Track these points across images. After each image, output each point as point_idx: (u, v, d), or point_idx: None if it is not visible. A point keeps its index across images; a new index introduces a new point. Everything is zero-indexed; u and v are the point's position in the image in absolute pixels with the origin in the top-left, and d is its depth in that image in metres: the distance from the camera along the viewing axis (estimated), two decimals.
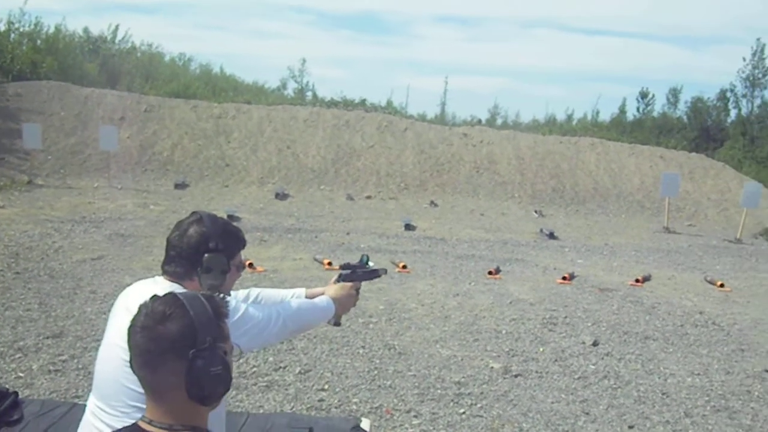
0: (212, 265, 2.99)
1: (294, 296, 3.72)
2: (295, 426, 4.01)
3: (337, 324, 3.68)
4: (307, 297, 3.71)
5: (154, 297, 2.06)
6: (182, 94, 32.28)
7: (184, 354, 1.93)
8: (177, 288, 2.85)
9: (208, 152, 27.69)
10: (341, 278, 3.72)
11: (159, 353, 1.95)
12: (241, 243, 3.22)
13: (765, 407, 7.43)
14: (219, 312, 2.05)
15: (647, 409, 7.14)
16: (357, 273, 3.76)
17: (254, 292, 3.68)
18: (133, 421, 2.08)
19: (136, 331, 1.99)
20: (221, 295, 2.17)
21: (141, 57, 40.00)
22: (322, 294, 3.61)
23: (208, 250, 2.99)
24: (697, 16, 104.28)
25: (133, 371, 2.03)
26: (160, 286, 2.87)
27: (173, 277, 3.00)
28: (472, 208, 25.79)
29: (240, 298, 3.50)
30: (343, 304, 3.60)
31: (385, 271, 3.98)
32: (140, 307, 2.04)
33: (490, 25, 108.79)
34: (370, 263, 3.87)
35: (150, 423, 2.01)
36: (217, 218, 3.15)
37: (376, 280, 4.00)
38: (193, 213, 3.16)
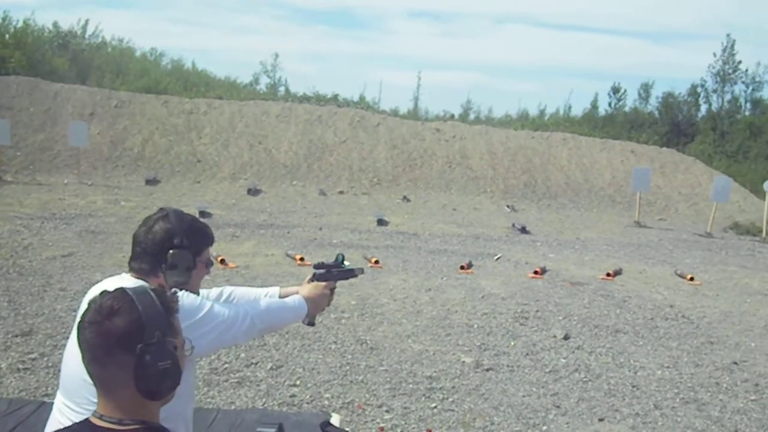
0: (177, 262, 2.96)
1: (267, 295, 3.65)
2: (265, 422, 4.00)
3: (311, 324, 3.61)
4: (280, 296, 3.66)
5: (104, 292, 2.05)
6: (153, 90, 32.08)
7: (132, 349, 1.92)
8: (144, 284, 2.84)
9: (180, 148, 27.56)
10: (315, 277, 3.63)
11: (107, 348, 1.94)
12: (208, 240, 3.19)
13: (733, 399, 7.49)
14: (169, 307, 2.04)
15: (617, 401, 7.18)
16: (332, 272, 3.67)
17: (227, 290, 3.65)
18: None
19: (84, 326, 1.98)
20: (173, 291, 2.16)
21: (111, 52, 39.77)
22: (296, 293, 3.58)
23: (172, 247, 2.96)
24: (668, 12, 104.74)
25: (84, 367, 2.03)
26: (126, 283, 2.85)
27: (139, 273, 2.99)
28: (445, 203, 25.84)
29: (211, 296, 3.48)
30: (317, 304, 3.52)
31: (362, 271, 3.89)
32: (89, 303, 2.03)
33: (463, 20, 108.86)
34: (346, 263, 3.77)
35: (101, 418, 2.00)
36: (184, 214, 3.12)
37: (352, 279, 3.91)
38: (161, 209, 3.13)
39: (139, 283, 2.76)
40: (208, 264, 3.20)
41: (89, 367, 2.00)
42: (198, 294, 3.13)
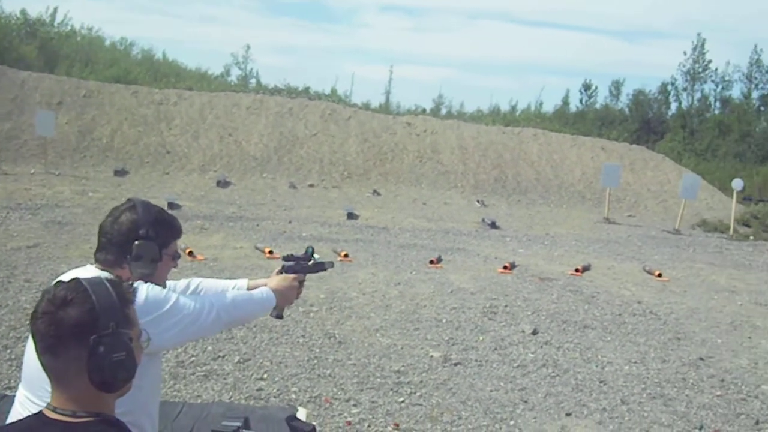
0: (142, 253, 2.92)
1: (235, 287, 3.59)
2: (231, 415, 3.96)
3: (279, 317, 3.55)
4: (249, 288, 3.61)
5: (57, 283, 2.02)
6: (123, 80, 31.89)
7: (85, 340, 1.89)
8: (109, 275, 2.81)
9: (149, 139, 27.40)
10: (284, 269, 3.56)
11: (60, 339, 1.91)
12: (175, 232, 3.15)
13: (699, 394, 7.53)
14: (124, 298, 2.00)
15: (585, 396, 7.20)
16: (301, 265, 3.61)
17: (194, 282, 3.60)
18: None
19: (37, 316, 1.95)
20: (130, 282, 2.13)
21: (81, 41, 39.46)
22: (265, 285, 3.54)
23: (138, 237, 2.92)
24: (641, 11, 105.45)
25: (38, 358, 1.99)
26: (89, 274, 2.81)
27: (104, 264, 2.95)
28: (415, 197, 25.86)
29: (178, 288, 3.43)
30: (285, 296, 3.46)
31: (332, 264, 3.82)
32: (43, 293, 2.00)
33: (435, 15, 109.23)
34: (316, 255, 3.71)
35: (54, 410, 1.96)
36: (151, 206, 3.08)
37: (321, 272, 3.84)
38: (128, 200, 3.10)
39: (104, 275, 2.72)
40: (175, 256, 3.16)
41: (42, 358, 1.96)
42: (164, 286, 3.10)
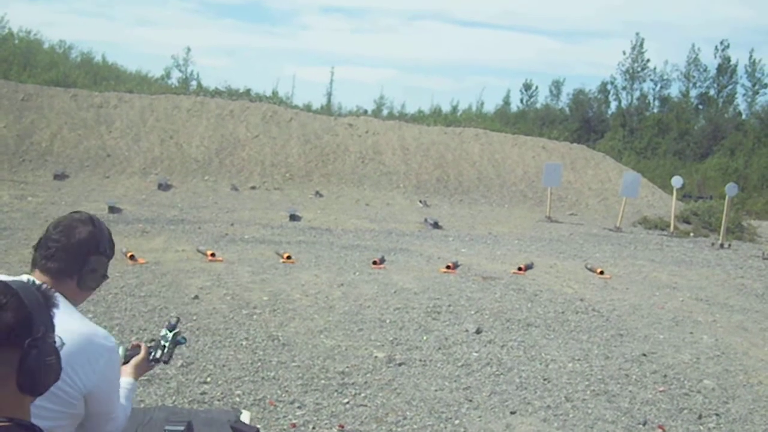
0: (97, 267, 2.94)
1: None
2: (174, 420, 3.93)
3: (165, 362, 3.63)
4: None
5: None
6: (62, 83, 31.52)
7: (20, 343, 1.86)
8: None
9: (89, 142, 27.10)
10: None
11: None
12: (113, 249, 3.17)
13: (642, 390, 7.60)
14: (49, 301, 1.98)
15: (529, 394, 7.23)
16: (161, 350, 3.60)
17: None
18: None
19: None
20: (44, 286, 2.10)
21: (18, 44, 38.89)
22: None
23: (96, 252, 2.94)
24: (580, 11, 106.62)
25: None
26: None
27: (49, 272, 2.90)
28: (357, 198, 25.88)
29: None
30: (141, 374, 3.51)
31: (185, 340, 3.85)
32: None
33: (376, 16, 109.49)
34: (174, 332, 3.69)
35: None
36: (103, 222, 3.10)
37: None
38: (77, 212, 3.08)
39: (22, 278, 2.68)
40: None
41: None
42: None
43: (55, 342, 1.96)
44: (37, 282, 2.16)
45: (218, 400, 6.46)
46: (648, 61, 56.12)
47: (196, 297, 9.93)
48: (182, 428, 3.73)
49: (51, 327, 1.96)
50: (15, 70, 33.09)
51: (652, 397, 7.41)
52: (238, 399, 6.52)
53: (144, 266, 11.90)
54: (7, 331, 1.86)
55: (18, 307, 1.88)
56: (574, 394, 7.33)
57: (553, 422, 6.52)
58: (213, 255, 12.86)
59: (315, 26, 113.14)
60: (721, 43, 56.11)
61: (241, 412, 4.28)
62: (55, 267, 2.91)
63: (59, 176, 24.31)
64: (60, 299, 2.19)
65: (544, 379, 7.71)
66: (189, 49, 52.91)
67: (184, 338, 3.78)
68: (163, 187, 24.21)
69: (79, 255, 2.90)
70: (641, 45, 56.16)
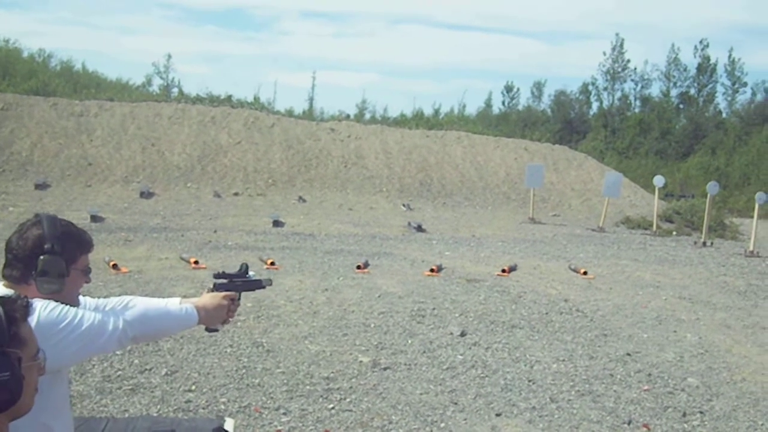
0: (48, 269, 2.87)
1: (167, 305, 3.52)
2: (157, 429, 3.92)
3: (213, 330, 3.52)
4: None
5: None
6: (41, 92, 31.39)
7: None
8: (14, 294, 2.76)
9: (70, 151, 26.99)
10: (215, 287, 3.47)
11: None
12: (83, 246, 3.08)
13: (627, 390, 7.63)
14: (11, 316, 1.96)
15: (514, 396, 7.25)
16: (234, 283, 3.51)
17: (126, 300, 3.51)
18: None
19: None
20: (24, 299, 2.08)
21: None
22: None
23: (43, 253, 2.87)
24: (559, 12, 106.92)
25: None
26: None
27: (10, 281, 2.89)
28: (341, 202, 25.87)
29: (90, 306, 3.36)
30: (211, 315, 3.37)
31: (270, 282, 3.71)
32: None
33: (357, 20, 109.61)
34: (251, 273, 3.59)
35: None
36: (57, 220, 3.02)
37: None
38: (35, 215, 3.05)
39: (7, 291, 2.67)
40: (86, 272, 3.10)
41: None
42: (76, 302, 3.06)
43: (19, 359, 1.94)
44: (13, 295, 2.15)
45: (203, 408, 6.45)
46: (628, 61, 56.44)
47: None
48: None
49: (12, 343, 1.93)
50: None
51: (637, 396, 7.44)
52: (223, 407, 6.51)
53: (127, 275, 11.87)
54: None
55: None
56: (559, 394, 7.35)
57: (538, 423, 6.54)
58: (196, 262, 12.83)
59: (296, 31, 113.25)
60: (701, 42, 56.43)
61: (225, 420, 4.27)
62: (13, 275, 2.90)
63: (40, 186, 24.20)
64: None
65: (529, 381, 7.73)
66: (170, 56, 53.09)
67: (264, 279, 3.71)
68: (146, 195, 24.15)
69: (30, 259, 2.87)
70: (621, 46, 56.46)
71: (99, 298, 3.46)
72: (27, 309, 2.05)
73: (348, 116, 40.31)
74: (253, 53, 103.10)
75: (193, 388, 6.97)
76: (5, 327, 1.92)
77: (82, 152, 27.16)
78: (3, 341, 1.90)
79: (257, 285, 3.61)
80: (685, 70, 56.97)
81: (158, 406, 6.45)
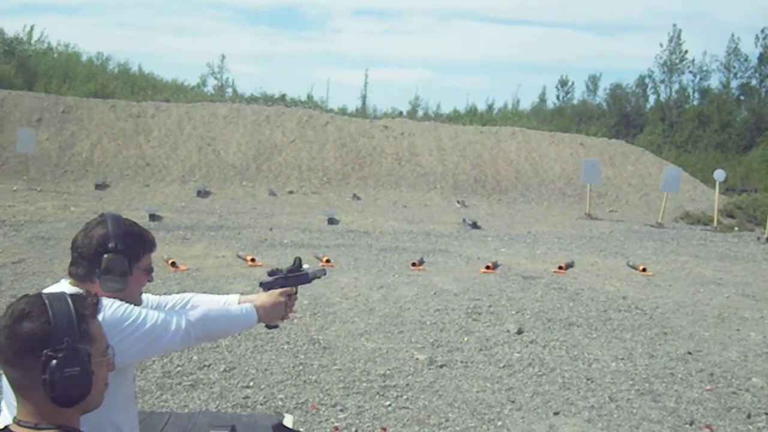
0: (111, 267, 2.91)
1: (226, 303, 3.53)
2: (217, 424, 3.96)
3: (272, 326, 3.55)
4: (239, 303, 3.57)
5: (21, 297, 2.02)
6: (100, 94, 31.90)
7: (38, 354, 1.91)
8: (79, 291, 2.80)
9: (128, 152, 27.38)
10: (270, 284, 3.50)
11: (16, 352, 1.93)
12: (146, 245, 3.12)
13: (688, 389, 7.52)
14: (80, 313, 2.01)
15: (572, 395, 7.19)
16: (287, 278, 3.55)
17: (187, 296, 3.54)
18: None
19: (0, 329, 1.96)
20: (95, 296, 2.12)
21: (58, 57, 39.52)
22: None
23: (107, 251, 2.91)
24: (614, 4, 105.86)
25: (2, 370, 2.00)
26: (63, 289, 2.81)
27: (76, 279, 2.95)
28: (395, 200, 25.88)
29: (171, 303, 3.41)
30: (270, 313, 3.41)
31: (324, 272, 3.75)
32: (7, 307, 2.01)
33: (408, 17, 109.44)
34: (305, 266, 3.63)
35: (18, 423, 1.99)
36: (121, 219, 3.07)
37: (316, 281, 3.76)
38: (100, 215, 3.10)
39: (75, 290, 2.71)
40: (148, 270, 3.13)
41: (4, 370, 1.99)
42: (139, 301, 3.09)
43: (89, 354, 1.98)
44: (83, 292, 2.19)
45: (261, 404, 6.49)
46: (686, 52, 55.53)
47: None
48: None
49: (82, 339, 1.98)
50: (55, 84, 33.56)
51: (699, 396, 7.33)
52: (280, 403, 6.54)
53: (185, 273, 11.99)
54: (26, 341, 1.92)
55: (39, 317, 1.93)
56: (619, 393, 7.27)
57: (597, 423, 6.48)
58: (253, 260, 12.92)
59: (347, 29, 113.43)
60: (762, 31, 55.22)
61: (283, 416, 4.30)
62: (78, 273, 2.95)
63: (100, 186, 24.60)
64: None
65: (588, 379, 7.66)
66: (224, 57, 53.54)
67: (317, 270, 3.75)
68: (202, 194, 24.39)
69: (94, 257, 2.92)
70: (679, 37, 55.60)
71: (159, 295, 3.50)
72: (96, 306, 2.10)
73: (401, 113, 40.31)
74: (305, 52, 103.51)
75: (251, 384, 7.02)
76: (75, 323, 1.97)
77: (140, 152, 27.52)
78: (73, 337, 1.94)
79: (307, 279, 3.65)
80: (746, 60, 55.96)
81: (217, 402, 6.51)
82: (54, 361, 1.90)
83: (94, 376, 2.00)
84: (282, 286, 3.51)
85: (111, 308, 2.76)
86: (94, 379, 2.00)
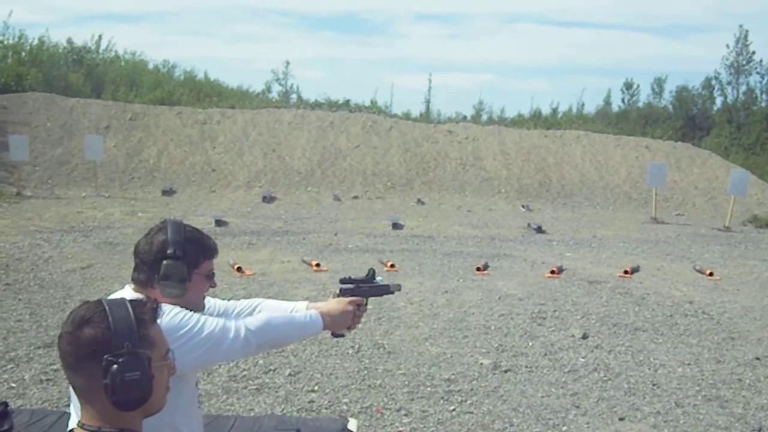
0: (170, 273, 2.95)
1: (293, 310, 3.48)
2: (283, 428, 4.01)
3: (339, 335, 3.51)
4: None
5: (83, 303, 2.08)
6: (167, 101, 32.38)
7: (99, 359, 1.95)
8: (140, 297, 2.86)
9: (194, 158, 27.72)
10: (341, 293, 3.44)
11: (78, 358, 1.98)
12: (207, 251, 3.13)
13: (756, 395, 7.44)
14: (140, 318, 2.05)
15: (638, 400, 7.15)
16: (361, 288, 3.45)
17: (256, 302, 3.52)
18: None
19: (61, 336, 2.03)
20: (154, 302, 2.17)
21: (124, 65, 40.17)
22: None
23: (166, 257, 2.96)
24: (679, 5, 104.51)
25: (66, 375, 2.07)
26: (126, 294, 2.87)
27: (137, 284, 3.01)
28: (459, 204, 25.85)
29: (219, 308, 3.44)
30: (337, 321, 3.35)
31: (399, 288, 3.65)
32: (69, 313, 2.07)
33: (471, 21, 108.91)
34: (378, 278, 3.52)
35: (82, 427, 2.04)
36: (182, 226, 3.10)
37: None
38: (162, 221, 3.14)
39: (137, 296, 2.78)
40: (210, 276, 3.15)
41: (67, 375, 2.05)
42: (202, 307, 3.14)
43: (149, 359, 2.03)
44: (143, 298, 2.25)
45: (326, 409, 6.56)
46: (753, 53, 54.40)
47: None
48: None
49: (143, 344, 2.02)
50: (122, 91, 34.17)
51: (767, 402, 7.25)
52: (345, 407, 6.61)
53: (251, 278, 12.13)
54: (87, 346, 1.97)
55: (100, 323, 1.98)
56: (685, 399, 7.22)
57: (663, 428, 6.45)
58: (318, 265, 13.02)
59: (411, 34, 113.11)
60: None
61: (348, 420, 4.35)
62: (140, 278, 3.01)
63: (167, 192, 24.94)
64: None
65: (654, 385, 7.62)
66: (288, 63, 53.85)
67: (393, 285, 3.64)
68: (267, 199, 24.60)
69: (154, 263, 2.96)
70: (745, 37, 54.55)
71: (227, 300, 3.55)
72: (156, 311, 2.15)
73: (465, 118, 40.20)
74: (369, 57, 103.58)
75: (316, 388, 7.10)
76: (135, 329, 2.02)
77: (206, 159, 27.85)
78: (133, 342, 1.99)
79: (385, 290, 3.55)
80: None
81: (282, 406, 6.59)
82: (115, 366, 1.95)
83: (155, 380, 2.04)
84: (355, 295, 3.45)
85: (169, 315, 2.80)
86: (155, 383, 2.05)
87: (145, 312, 2.09)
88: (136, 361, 1.99)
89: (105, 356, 1.95)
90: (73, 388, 2.06)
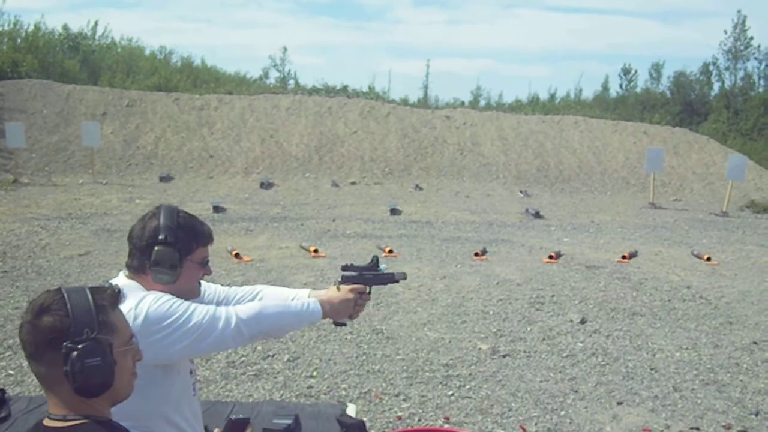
0: (161, 259, 2.90)
1: (295, 298, 3.38)
2: (281, 413, 4.00)
3: (340, 324, 3.41)
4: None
5: (43, 292, 2.08)
6: (164, 88, 32.33)
7: (59, 346, 1.94)
8: (132, 284, 2.85)
9: (192, 144, 27.68)
10: (342, 280, 3.33)
11: (38, 346, 1.97)
12: (200, 238, 3.06)
13: (754, 379, 7.44)
14: (99, 305, 2.03)
15: (636, 384, 7.15)
16: (364, 276, 3.35)
17: (257, 289, 3.47)
18: None
19: (22, 325, 2.02)
20: (115, 287, 2.15)
21: (121, 52, 40.05)
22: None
23: (157, 243, 2.90)
24: None
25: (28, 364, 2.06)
26: (120, 282, 2.84)
27: (130, 270, 2.97)
28: (457, 190, 25.85)
29: (219, 294, 3.37)
30: (337, 309, 3.25)
31: (404, 276, 3.47)
32: (29, 302, 2.07)
33: (469, 6, 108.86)
34: (382, 266, 3.40)
35: (50, 417, 2.03)
36: (176, 211, 3.04)
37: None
38: (157, 206, 3.08)
39: (130, 282, 2.76)
40: (203, 263, 3.08)
41: (29, 364, 2.03)
42: (196, 293, 3.09)
43: (110, 344, 2.01)
44: (112, 283, 2.23)
45: (324, 394, 6.55)
46: (751, 39, 54.33)
47: None
48: (290, 422, 3.79)
49: (103, 330, 2.00)
50: (119, 78, 34.13)
51: (765, 386, 7.24)
52: (344, 392, 6.60)
53: (249, 264, 12.12)
54: (46, 334, 1.95)
55: (58, 311, 1.96)
56: (683, 383, 7.22)
57: (661, 413, 6.44)
58: (316, 251, 13.01)
59: (408, 20, 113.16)
60: None
61: (347, 406, 4.33)
62: (133, 265, 2.96)
63: (165, 178, 24.93)
64: (131, 291, 2.33)
65: (651, 369, 7.62)
66: (285, 49, 53.71)
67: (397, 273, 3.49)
68: (265, 185, 24.59)
69: (146, 249, 2.91)
70: (743, 23, 54.49)
71: (227, 286, 3.51)
72: (116, 297, 2.12)
73: (463, 103, 40.26)
74: (366, 43, 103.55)
75: (315, 374, 7.09)
76: (94, 315, 2.00)
77: (204, 145, 27.82)
78: (93, 328, 1.98)
79: (389, 279, 3.43)
80: None
81: (281, 392, 6.58)
82: (74, 353, 1.93)
83: (117, 365, 2.03)
84: (357, 283, 3.35)
85: (156, 303, 2.74)
86: (117, 369, 2.03)
87: (105, 298, 2.07)
88: (97, 347, 1.97)
89: (64, 343, 1.93)
90: (37, 377, 2.04)
